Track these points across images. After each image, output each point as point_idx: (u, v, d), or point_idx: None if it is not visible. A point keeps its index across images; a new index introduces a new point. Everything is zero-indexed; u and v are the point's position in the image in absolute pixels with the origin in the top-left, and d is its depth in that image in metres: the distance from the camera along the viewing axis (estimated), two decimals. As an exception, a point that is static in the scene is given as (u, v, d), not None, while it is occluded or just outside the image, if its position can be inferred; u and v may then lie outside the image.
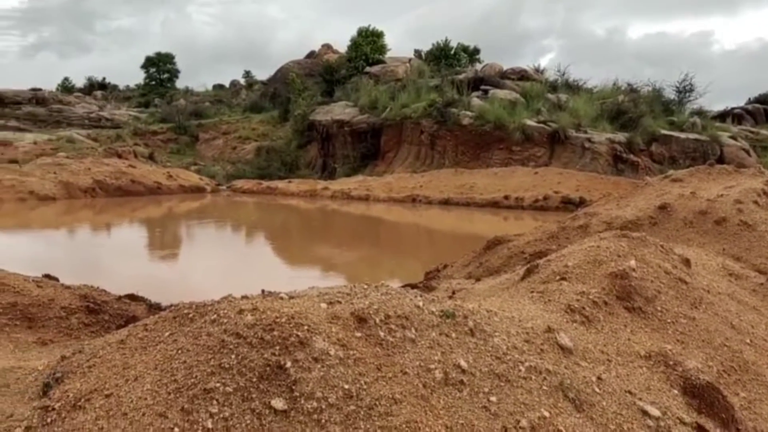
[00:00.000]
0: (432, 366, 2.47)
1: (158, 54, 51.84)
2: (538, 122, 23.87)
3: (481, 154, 24.70)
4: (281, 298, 2.76)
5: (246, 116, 40.85)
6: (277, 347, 2.35)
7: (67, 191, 21.08)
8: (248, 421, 2.13)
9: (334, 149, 29.70)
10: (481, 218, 19.04)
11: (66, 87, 54.46)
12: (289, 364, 2.29)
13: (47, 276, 4.96)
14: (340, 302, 2.75)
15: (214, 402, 2.18)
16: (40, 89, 45.70)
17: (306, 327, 2.47)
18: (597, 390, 2.63)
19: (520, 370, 2.58)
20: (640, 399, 2.67)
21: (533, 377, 2.57)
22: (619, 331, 3.18)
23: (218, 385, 2.23)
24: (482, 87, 27.97)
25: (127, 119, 42.26)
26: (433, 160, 25.96)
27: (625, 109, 25.20)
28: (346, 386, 2.26)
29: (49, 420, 2.23)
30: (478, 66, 34.73)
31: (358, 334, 2.54)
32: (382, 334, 2.57)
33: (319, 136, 30.29)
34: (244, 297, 2.81)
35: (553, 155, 23.13)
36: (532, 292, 3.51)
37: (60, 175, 21.71)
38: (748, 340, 3.53)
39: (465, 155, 25.01)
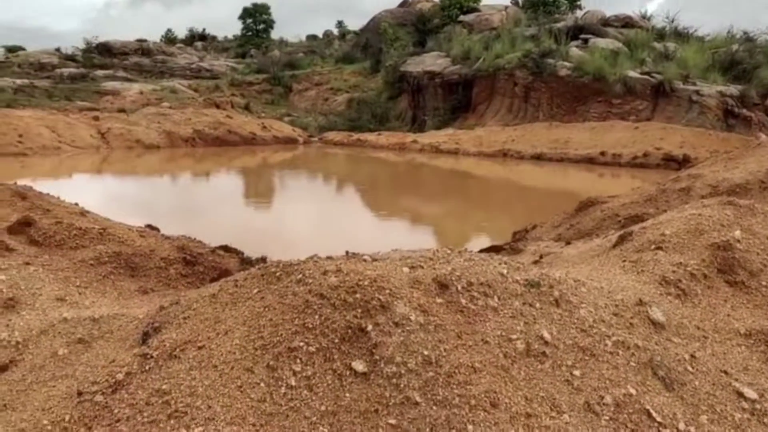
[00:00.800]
0: (514, 336, 2.44)
1: (254, 4, 52.56)
2: (642, 73, 22.51)
3: (577, 108, 23.70)
4: (364, 261, 2.78)
5: (338, 67, 41.05)
6: (359, 310, 2.39)
7: (169, 140, 22.11)
8: (329, 381, 2.19)
9: (424, 101, 29.36)
10: (575, 175, 18.42)
11: (169, 38, 56.52)
12: (370, 328, 2.32)
13: (149, 226, 5.26)
14: (422, 267, 2.75)
15: (298, 361, 2.26)
16: (145, 40, 47.80)
17: (388, 291, 2.49)
18: (689, 369, 2.52)
19: (606, 345, 2.50)
20: (737, 380, 2.54)
21: (620, 352, 2.49)
22: (718, 306, 3.01)
23: (302, 344, 2.31)
24: (582, 36, 26.58)
25: (225, 70, 43.49)
26: (527, 113, 25.18)
27: (740, 59, 23.30)
28: (426, 352, 2.28)
29: (147, 367, 2.38)
30: (579, 13, 33.03)
31: (440, 301, 2.53)
32: (463, 301, 2.56)
33: (409, 87, 29.97)
34: (329, 258, 2.87)
35: (657, 109, 21.84)
36: (624, 261, 3.37)
37: (163, 124, 22.77)
38: None
39: (560, 108, 24.09)
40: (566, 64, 24.04)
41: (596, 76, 22.82)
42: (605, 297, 2.81)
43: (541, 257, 4.35)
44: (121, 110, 26.70)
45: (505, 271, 2.76)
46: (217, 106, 31.74)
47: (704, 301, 3.01)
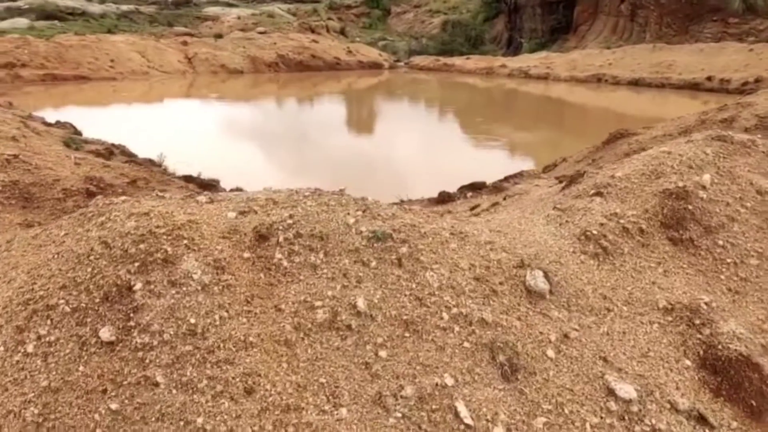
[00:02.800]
0: (318, 303, 1.96)
1: None
2: (768, -14, 19.71)
3: (689, 27, 21.26)
4: (196, 202, 2.37)
5: (439, -13, 39.37)
6: (137, 264, 2.00)
7: (253, 65, 22.15)
8: (69, 350, 1.84)
9: (521, 22, 27.54)
10: (676, 102, 16.64)
11: (275, -38, 56.23)
12: (138, 286, 1.94)
13: (106, 152, 5.01)
14: (255, 212, 2.30)
15: (49, 322, 1.92)
16: (251, -37, 47.88)
17: (186, 241, 2.08)
18: (550, 354, 1.94)
19: (441, 318, 1.97)
20: (619, 370, 1.94)
21: (456, 329, 1.95)
22: (646, 270, 2.35)
23: (61, 302, 1.96)
24: (703, -57, 23.55)
25: (326, -8, 42.97)
26: (632, 33, 22.96)
27: None
28: (193, 320, 1.87)
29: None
30: None
31: (246, 255, 2.10)
32: (279, 256, 2.10)
33: (506, 8, 28.18)
34: (161, 197, 2.47)
35: (782, 27, 19.14)
36: (555, 208, 2.73)
37: (248, 49, 22.79)
38: None
39: (670, 28, 21.72)
40: (679, -24, 21.48)
41: (713, -10, 20.26)
42: (480, 256, 2.24)
43: (504, 198, 3.72)
44: (218, 35, 27.01)
45: (352, 221, 2.26)
46: (312, 31, 31.46)
47: (629, 263, 2.36)
